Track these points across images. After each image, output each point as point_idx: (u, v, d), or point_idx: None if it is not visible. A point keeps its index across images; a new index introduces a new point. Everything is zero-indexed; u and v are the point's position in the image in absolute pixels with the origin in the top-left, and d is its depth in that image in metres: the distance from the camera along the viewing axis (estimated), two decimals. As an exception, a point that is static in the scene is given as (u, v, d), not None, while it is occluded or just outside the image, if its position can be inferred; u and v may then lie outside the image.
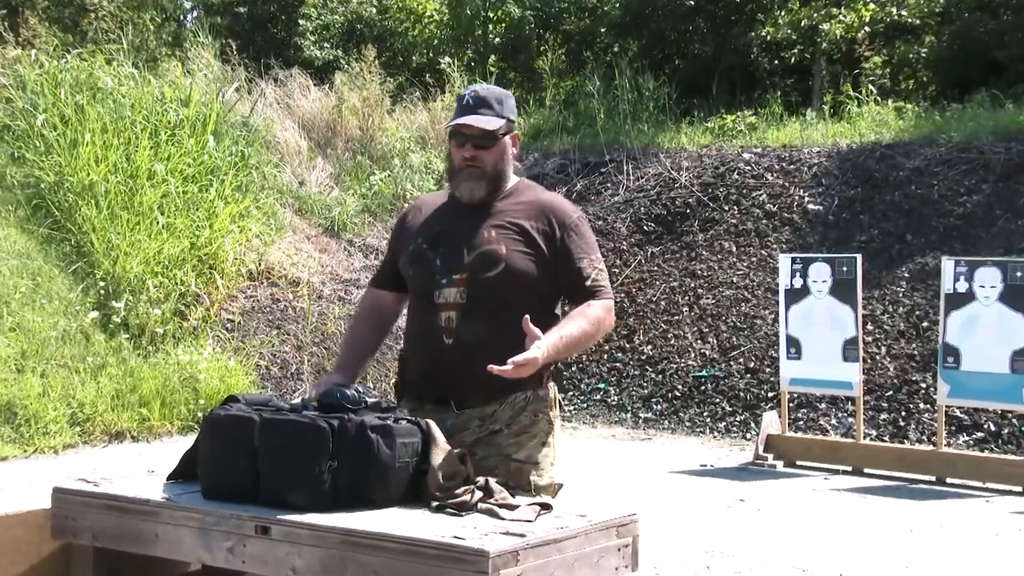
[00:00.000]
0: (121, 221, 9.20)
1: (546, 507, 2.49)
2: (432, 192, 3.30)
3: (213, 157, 10.44)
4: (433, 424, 2.61)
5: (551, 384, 2.96)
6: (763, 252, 10.20)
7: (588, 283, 2.90)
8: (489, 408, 2.87)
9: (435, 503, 2.48)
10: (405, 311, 3.09)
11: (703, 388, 9.31)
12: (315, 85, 13.57)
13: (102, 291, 8.87)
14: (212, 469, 2.61)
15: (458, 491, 2.50)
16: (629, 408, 9.46)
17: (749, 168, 11.13)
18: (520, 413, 2.88)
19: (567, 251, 2.90)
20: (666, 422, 9.17)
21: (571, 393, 9.81)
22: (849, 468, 7.41)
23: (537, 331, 2.68)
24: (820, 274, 7.64)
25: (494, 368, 2.59)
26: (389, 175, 12.32)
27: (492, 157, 2.91)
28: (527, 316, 2.69)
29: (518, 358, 2.61)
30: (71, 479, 3.28)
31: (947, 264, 7.17)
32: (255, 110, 12.08)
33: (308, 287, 10.31)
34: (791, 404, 8.45)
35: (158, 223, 9.41)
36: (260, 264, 10.30)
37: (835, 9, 14.15)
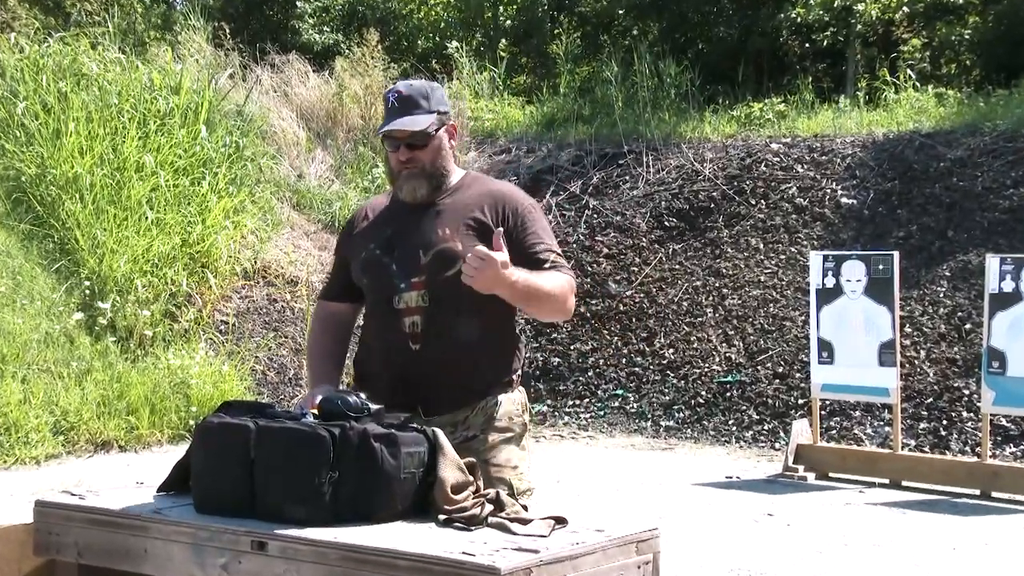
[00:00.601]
0: (107, 216, 9.23)
1: (561, 521, 2.49)
2: (376, 196, 3.38)
3: (205, 148, 10.47)
4: (440, 433, 2.62)
5: (520, 388, 3.07)
6: (793, 249, 10.18)
7: (547, 266, 2.97)
8: (460, 414, 2.96)
9: (443, 517, 2.48)
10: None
11: (728, 395, 9.30)
12: (314, 71, 13.60)
13: (87, 291, 8.90)
14: (205, 481, 2.61)
15: (467, 504, 2.50)
16: (649, 416, 9.46)
17: (778, 159, 11.11)
18: (493, 418, 2.98)
19: (522, 239, 2.97)
20: (689, 431, 9.16)
21: (587, 400, 9.82)
22: (886, 481, 7.39)
23: (501, 255, 2.74)
24: (854, 273, 7.62)
25: (497, 238, 2.72)
26: (393, 167, 12.33)
27: (429, 155, 2.99)
28: (499, 230, 2.78)
29: (480, 248, 2.70)
30: (54, 491, 3.30)
31: (992, 262, 7.13)
32: (250, 98, 12.11)
33: (307, 287, 10.33)
34: (823, 412, 8.43)
35: (147, 218, 9.44)
36: (256, 262, 10.33)
37: (870, -12, 14.12)
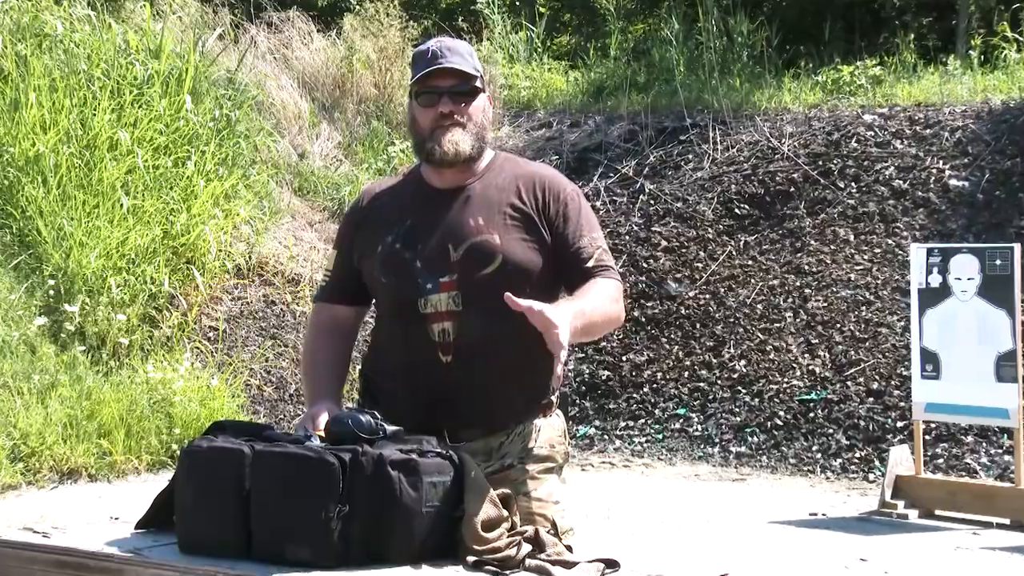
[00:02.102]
0: (75, 203, 9.31)
1: (612, 565, 2.49)
2: (380, 179, 3.42)
3: (191, 123, 10.53)
4: (469, 459, 2.62)
5: (558, 411, 3.12)
6: (890, 241, 10.12)
7: (590, 264, 3.00)
8: (495, 440, 3.00)
9: (472, 559, 2.49)
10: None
11: (812, 415, 9.26)
12: (319, 31, 13.65)
13: (51, 291, 8.98)
14: (192, 515, 2.63)
15: (501, 544, 2.50)
16: (717, 440, 9.43)
17: (872, 134, 11.05)
18: (533, 445, 3.03)
19: (564, 229, 3.01)
20: (765, 458, 9.13)
21: (642, 421, 9.80)
22: (1006, 521, 7.32)
23: (540, 304, 2.68)
24: (965, 270, 7.56)
25: (513, 300, 2.64)
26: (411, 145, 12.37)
27: (474, 110, 3.04)
28: (507, 295, 2.71)
29: (535, 306, 2.63)
30: (13, 528, 3.33)
31: None
32: (243, 63, 12.17)
33: (310, 286, 10.37)
34: (927, 437, 8.37)
35: (122, 206, 9.51)
36: (250, 257, 10.38)
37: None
